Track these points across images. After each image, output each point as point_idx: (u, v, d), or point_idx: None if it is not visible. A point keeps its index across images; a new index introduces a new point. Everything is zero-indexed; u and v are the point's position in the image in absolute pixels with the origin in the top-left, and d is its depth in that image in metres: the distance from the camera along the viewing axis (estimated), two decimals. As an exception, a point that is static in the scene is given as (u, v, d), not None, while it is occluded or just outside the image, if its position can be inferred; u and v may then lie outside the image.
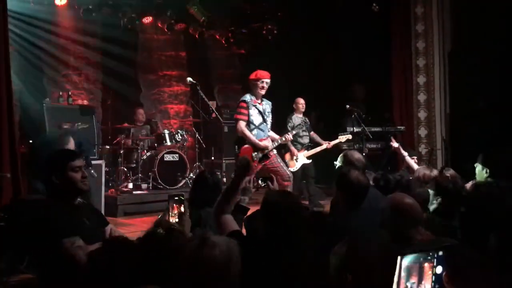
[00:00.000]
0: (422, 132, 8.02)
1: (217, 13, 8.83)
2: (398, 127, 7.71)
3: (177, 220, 2.50)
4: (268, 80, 5.41)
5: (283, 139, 5.51)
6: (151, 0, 8.25)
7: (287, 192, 2.56)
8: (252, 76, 5.43)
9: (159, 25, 8.76)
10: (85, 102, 7.23)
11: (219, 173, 8.48)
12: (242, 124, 5.33)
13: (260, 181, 3.17)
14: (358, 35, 8.16)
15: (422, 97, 8.04)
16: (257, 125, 5.39)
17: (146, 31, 9.26)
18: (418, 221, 2.47)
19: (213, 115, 6.01)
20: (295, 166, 6.86)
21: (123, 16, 8.10)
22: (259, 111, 5.41)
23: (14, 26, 6.93)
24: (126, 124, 7.71)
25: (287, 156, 6.92)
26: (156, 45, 9.50)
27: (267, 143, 5.38)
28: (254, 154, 5.32)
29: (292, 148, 6.83)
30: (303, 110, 7.19)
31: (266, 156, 5.37)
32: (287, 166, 7.18)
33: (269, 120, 5.54)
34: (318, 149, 6.98)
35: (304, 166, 6.95)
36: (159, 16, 8.59)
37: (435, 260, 1.48)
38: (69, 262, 2.46)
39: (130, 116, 8.12)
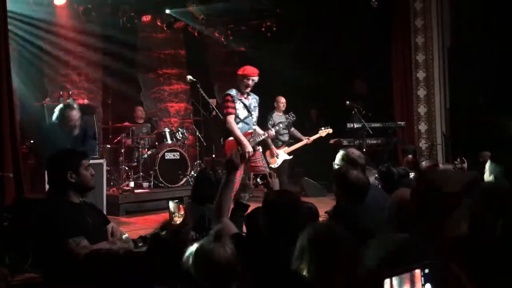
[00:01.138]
0: (422, 127, 8.04)
1: (216, 11, 8.83)
2: (398, 122, 7.73)
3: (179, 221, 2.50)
4: (256, 78, 5.41)
5: (266, 134, 5.54)
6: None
7: (287, 191, 2.58)
8: (240, 71, 5.43)
9: (158, 23, 8.76)
10: (86, 102, 7.24)
11: (220, 170, 8.50)
12: (231, 118, 5.33)
13: (258, 179, 3.19)
14: (357, 31, 8.17)
15: (422, 92, 8.06)
16: (242, 118, 5.40)
17: (145, 30, 9.26)
18: None
19: (214, 113, 6.00)
20: (276, 162, 7.07)
21: (122, 15, 8.10)
22: (244, 105, 5.43)
23: (13, 26, 6.92)
24: (126, 123, 7.73)
25: (268, 153, 7.07)
26: (155, 43, 9.50)
27: (249, 147, 5.32)
28: (239, 147, 5.30)
29: (272, 146, 6.96)
30: (283, 108, 7.44)
31: (245, 158, 5.30)
32: (268, 163, 7.29)
33: (255, 114, 5.54)
34: (298, 145, 7.30)
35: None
36: (158, 14, 8.60)
37: (422, 278, 1.50)
38: (74, 262, 2.47)
39: (130, 115, 8.14)
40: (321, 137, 7.11)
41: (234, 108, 5.35)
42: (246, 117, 5.43)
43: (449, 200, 1.82)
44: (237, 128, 5.33)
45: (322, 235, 1.79)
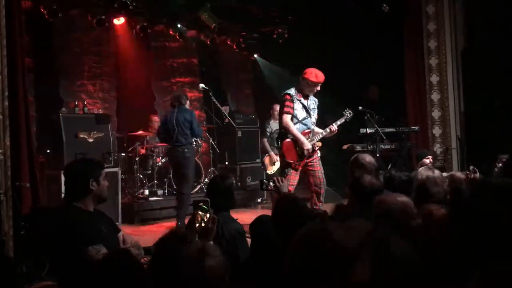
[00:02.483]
0: (437, 131, 7.97)
1: (228, 19, 8.90)
2: (412, 127, 7.67)
3: (202, 226, 2.50)
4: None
5: (328, 130, 5.38)
6: (163, 8, 8.34)
7: (296, 199, 2.59)
8: (312, 77, 5.29)
9: (171, 32, 8.85)
10: (100, 111, 7.33)
11: (233, 177, 8.53)
12: (287, 117, 5.24)
13: (271, 183, 3.20)
14: (369, 36, 8.15)
15: (435, 96, 8.00)
16: (300, 119, 5.32)
17: (158, 39, 9.36)
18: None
19: (226, 120, 6.04)
20: (272, 169, 7.10)
21: (135, 24, 8.21)
22: (303, 106, 5.36)
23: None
24: (141, 132, 7.81)
25: (267, 159, 7.06)
26: (168, 52, 9.59)
27: (308, 144, 5.24)
28: (297, 148, 5.26)
29: (272, 153, 6.92)
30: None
31: (305, 156, 5.27)
32: (266, 169, 7.28)
33: (314, 116, 5.46)
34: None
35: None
36: (170, 23, 8.69)
37: None
38: (93, 269, 2.50)
39: (144, 124, 8.21)
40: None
41: (292, 108, 5.28)
42: (304, 118, 5.36)
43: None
44: (295, 127, 5.26)
45: (313, 235, 1.75)
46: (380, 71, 8.10)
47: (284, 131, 5.35)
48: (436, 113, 7.99)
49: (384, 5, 7.90)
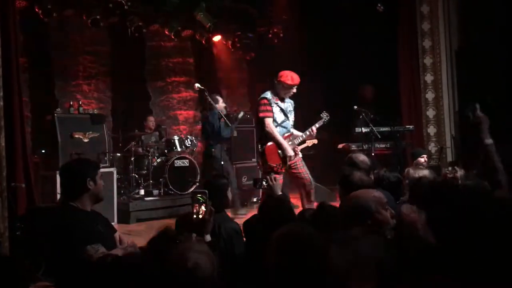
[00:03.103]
0: (431, 130, 8.02)
1: (223, 19, 8.90)
2: (407, 126, 7.71)
3: (199, 218, 2.51)
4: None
5: (307, 133, 5.39)
6: (158, 8, 8.33)
7: (282, 200, 2.61)
8: (288, 80, 5.26)
9: (166, 32, 8.85)
10: (96, 111, 7.31)
11: (228, 177, 8.53)
12: (269, 121, 5.20)
13: (264, 183, 3.22)
14: (364, 36, 8.18)
15: (430, 95, 8.04)
16: (279, 122, 5.30)
17: (153, 39, 9.35)
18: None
19: (222, 120, 6.04)
20: None
21: (131, 24, 8.19)
22: (281, 109, 5.34)
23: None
24: (136, 132, 7.80)
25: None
26: (163, 52, 9.59)
27: (291, 149, 5.25)
28: (280, 151, 5.25)
29: None
30: None
31: (289, 158, 5.25)
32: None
33: (291, 118, 5.45)
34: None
35: None
36: (165, 23, 8.68)
37: None
38: (91, 269, 2.50)
39: (140, 124, 8.21)
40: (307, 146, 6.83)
41: (272, 111, 5.26)
42: (283, 121, 5.34)
43: None
44: (278, 133, 5.24)
45: (289, 236, 1.77)
46: (375, 70, 8.14)
47: (265, 135, 5.30)
48: (430, 112, 8.03)
49: (379, 5, 7.93)
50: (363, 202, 2.33)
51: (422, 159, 6.14)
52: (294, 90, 5.35)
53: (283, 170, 5.21)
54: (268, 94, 5.33)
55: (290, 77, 5.28)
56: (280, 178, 5.14)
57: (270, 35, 9.46)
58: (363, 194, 2.41)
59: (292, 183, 5.60)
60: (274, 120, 5.28)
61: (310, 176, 5.36)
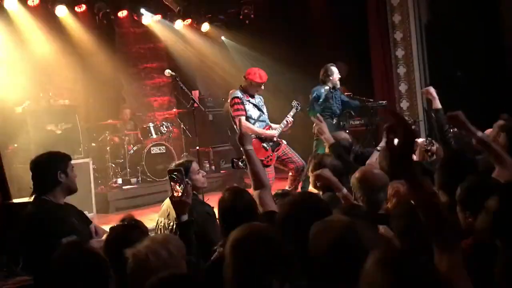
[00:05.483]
0: (404, 104, 8.13)
1: (192, 2, 8.79)
2: (380, 101, 7.78)
3: (177, 198, 2.54)
4: None
5: (285, 123, 5.44)
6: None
7: (241, 191, 2.63)
8: (256, 78, 5.33)
9: (135, 18, 8.70)
10: (67, 102, 7.19)
11: (207, 161, 8.54)
12: (243, 119, 5.22)
13: (240, 163, 3.24)
14: (334, 13, 8.18)
15: (402, 70, 8.13)
16: (256, 118, 5.39)
17: (122, 26, 9.19)
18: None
19: (195, 105, 6.01)
20: None
21: (98, 11, 8.03)
22: (254, 105, 5.42)
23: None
24: (110, 121, 7.72)
25: None
26: (133, 38, 9.44)
27: (273, 131, 5.36)
28: (264, 144, 5.32)
29: None
30: None
31: (277, 143, 5.37)
32: None
33: (265, 111, 5.54)
34: None
35: None
36: (134, 9, 8.53)
37: None
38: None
39: (114, 112, 8.11)
40: None
41: (244, 110, 5.33)
42: (259, 116, 5.43)
43: None
44: (254, 126, 5.30)
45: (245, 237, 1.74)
46: (346, 48, 8.17)
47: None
48: (403, 87, 8.13)
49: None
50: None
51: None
52: (262, 88, 5.42)
53: (272, 163, 5.28)
54: (239, 93, 5.40)
55: (258, 75, 5.36)
56: (270, 171, 5.20)
57: (241, 17, 9.38)
58: None
59: (286, 170, 5.63)
60: (250, 118, 5.36)
61: (301, 159, 5.43)
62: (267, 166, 5.23)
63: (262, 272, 1.61)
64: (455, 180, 2.30)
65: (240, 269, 1.65)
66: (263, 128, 5.40)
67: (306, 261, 1.67)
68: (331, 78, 5.92)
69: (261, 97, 5.58)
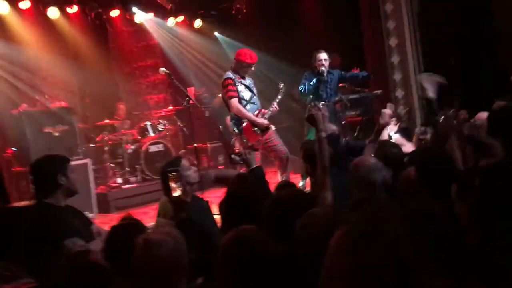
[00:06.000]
0: (399, 93, 8.12)
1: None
2: (375, 91, 7.80)
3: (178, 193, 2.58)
4: None
5: (273, 107, 5.49)
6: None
7: (244, 177, 2.67)
8: (247, 59, 5.34)
9: (127, 17, 8.69)
10: (63, 104, 7.20)
11: (205, 157, 8.57)
12: (235, 101, 5.27)
13: (235, 156, 3.28)
14: (326, 5, 8.18)
15: (395, 59, 8.11)
16: (248, 100, 5.38)
17: (115, 25, 9.17)
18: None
19: (191, 101, 6.03)
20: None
21: (90, 12, 8.02)
22: (246, 86, 5.41)
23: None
24: (107, 121, 7.73)
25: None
26: (127, 37, 9.42)
27: (263, 120, 5.38)
28: (255, 129, 5.35)
29: None
30: None
31: (267, 128, 5.40)
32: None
33: (256, 92, 5.55)
34: None
35: None
36: (126, 7, 8.52)
37: None
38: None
39: (110, 112, 8.12)
40: None
41: (237, 91, 5.31)
42: (251, 97, 5.43)
43: None
44: (245, 110, 5.31)
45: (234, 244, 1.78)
46: (339, 39, 8.17)
47: (237, 116, 5.37)
48: (397, 76, 8.11)
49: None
50: None
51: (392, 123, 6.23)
52: (253, 69, 5.42)
53: (260, 147, 5.32)
54: (230, 74, 5.39)
55: (249, 56, 5.36)
56: (258, 155, 5.25)
57: (233, 11, 9.38)
58: None
59: (269, 158, 5.70)
60: (242, 99, 5.36)
61: (285, 148, 5.48)
62: (256, 150, 5.29)
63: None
64: None
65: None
66: (255, 111, 5.42)
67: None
68: (314, 64, 6.00)
69: (251, 79, 5.59)
